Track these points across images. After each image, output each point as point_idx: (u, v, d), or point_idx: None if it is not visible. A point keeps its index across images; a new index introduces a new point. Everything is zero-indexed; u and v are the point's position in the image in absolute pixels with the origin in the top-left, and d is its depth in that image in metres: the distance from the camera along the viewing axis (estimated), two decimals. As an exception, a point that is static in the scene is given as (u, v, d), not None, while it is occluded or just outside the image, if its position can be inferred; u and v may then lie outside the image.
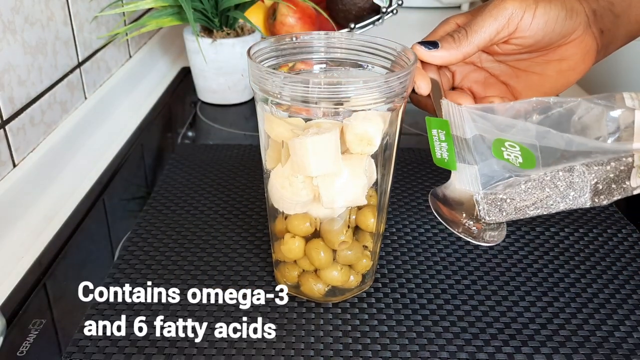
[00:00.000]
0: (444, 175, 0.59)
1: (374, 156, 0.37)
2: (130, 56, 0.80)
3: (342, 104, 0.33)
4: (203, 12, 0.70)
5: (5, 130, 0.50)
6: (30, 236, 0.49)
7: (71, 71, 0.62)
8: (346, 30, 0.84)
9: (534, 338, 0.38)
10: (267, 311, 0.40)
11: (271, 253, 0.43)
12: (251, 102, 0.77)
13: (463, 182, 0.38)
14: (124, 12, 0.75)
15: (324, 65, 0.40)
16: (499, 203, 0.37)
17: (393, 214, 0.51)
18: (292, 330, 0.38)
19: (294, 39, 0.39)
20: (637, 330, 0.39)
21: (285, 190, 0.36)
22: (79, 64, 0.64)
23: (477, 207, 0.38)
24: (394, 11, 0.85)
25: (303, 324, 0.39)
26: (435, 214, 0.40)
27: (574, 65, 0.41)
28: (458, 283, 0.43)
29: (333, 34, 0.40)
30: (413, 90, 0.38)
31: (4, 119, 0.50)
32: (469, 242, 0.47)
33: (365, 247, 0.40)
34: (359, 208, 0.39)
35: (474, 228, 0.38)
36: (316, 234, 0.38)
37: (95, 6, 0.68)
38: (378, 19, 0.85)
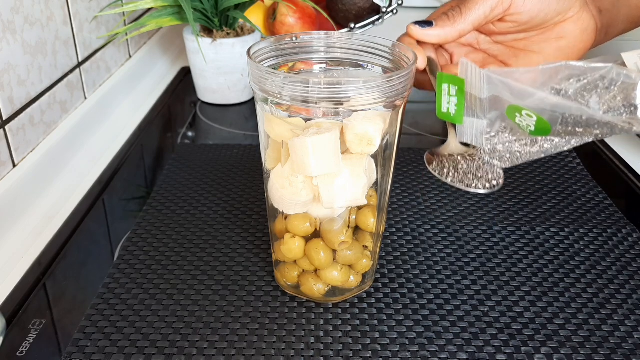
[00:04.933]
0: (444, 175, 0.59)
1: (374, 156, 0.37)
2: (130, 56, 0.80)
3: (342, 104, 0.33)
4: (203, 12, 0.70)
5: (5, 130, 0.50)
6: (30, 236, 0.49)
7: (71, 71, 0.62)
8: (346, 30, 0.84)
9: (534, 338, 0.38)
10: (267, 311, 0.40)
11: (271, 253, 0.43)
12: (251, 102, 0.77)
13: (467, 136, 0.37)
14: (123, 12, 0.75)
15: (324, 65, 0.40)
16: (502, 155, 0.37)
17: (393, 214, 0.51)
18: (292, 331, 0.38)
19: (294, 39, 0.39)
20: (638, 330, 0.39)
21: (285, 190, 0.36)
22: (79, 64, 0.64)
23: (484, 156, 0.37)
24: (394, 11, 0.85)
25: (303, 324, 0.39)
26: (429, 169, 0.39)
27: (573, 43, 0.40)
28: (458, 283, 0.43)
29: (333, 34, 0.40)
30: None
31: (4, 119, 0.50)
32: (468, 242, 0.48)
33: (365, 247, 0.40)
34: (359, 208, 0.39)
35: (468, 177, 0.38)
36: (316, 234, 0.38)
37: (95, 6, 0.68)
38: (378, 19, 0.85)
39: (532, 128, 0.34)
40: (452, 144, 0.38)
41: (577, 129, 0.33)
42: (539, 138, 0.35)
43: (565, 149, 0.35)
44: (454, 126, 0.38)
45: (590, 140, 0.34)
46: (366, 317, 0.40)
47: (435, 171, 0.38)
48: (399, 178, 0.57)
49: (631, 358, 0.37)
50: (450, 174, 0.38)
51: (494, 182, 0.37)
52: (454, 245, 0.47)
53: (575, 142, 0.34)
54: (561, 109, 0.33)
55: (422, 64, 0.38)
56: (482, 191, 0.37)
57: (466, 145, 0.38)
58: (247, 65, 0.36)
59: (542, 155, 0.36)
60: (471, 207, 0.52)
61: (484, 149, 0.37)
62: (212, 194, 0.54)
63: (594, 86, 0.34)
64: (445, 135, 0.39)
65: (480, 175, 0.38)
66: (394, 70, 0.38)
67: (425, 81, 0.40)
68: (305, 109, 0.34)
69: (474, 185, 0.37)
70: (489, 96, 0.35)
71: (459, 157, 0.38)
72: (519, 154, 0.36)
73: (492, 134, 0.36)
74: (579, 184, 0.56)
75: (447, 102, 0.37)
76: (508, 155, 0.37)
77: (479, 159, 0.38)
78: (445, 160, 0.38)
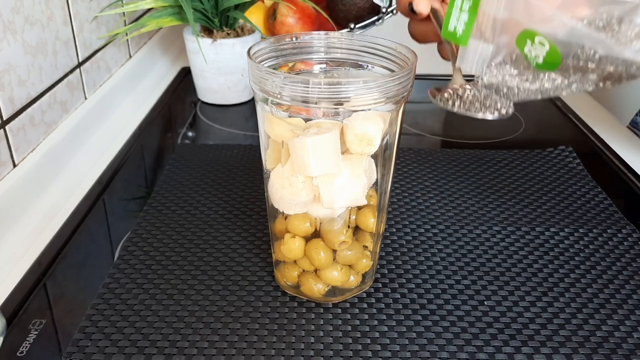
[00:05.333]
0: (444, 174, 0.59)
1: (374, 156, 0.37)
2: (130, 56, 0.80)
3: (342, 104, 0.33)
4: (203, 12, 0.70)
5: (5, 130, 0.50)
6: (30, 236, 0.49)
7: (71, 71, 0.62)
8: (346, 30, 0.84)
9: (534, 338, 0.38)
10: (267, 311, 0.40)
11: (271, 253, 0.43)
12: (251, 102, 0.77)
13: (468, 62, 0.35)
14: (124, 12, 0.75)
15: (324, 65, 0.40)
16: (499, 89, 0.35)
17: (393, 214, 0.51)
18: (292, 330, 0.38)
19: (294, 39, 0.39)
20: (637, 330, 0.39)
21: (285, 190, 0.36)
22: (79, 64, 0.64)
23: (481, 88, 0.35)
24: (394, 11, 0.85)
25: (303, 324, 0.39)
26: (433, 99, 0.38)
27: None
28: (458, 283, 0.43)
29: (333, 34, 0.40)
30: (412, 10, 0.36)
31: (4, 119, 0.50)
32: (468, 242, 0.48)
33: (365, 247, 0.40)
34: (359, 208, 0.39)
35: (475, 106, 0.36)
36: (316, 234, 0.38)
37: (95, 6, 0.68)
38: (378, 19, 0.85)
39: (540, 60, 0.32)
40: (458, 81, 0.37)
41: (588, 64, 0.31)
42: (541, 75, 0.33)
43: (564, 93, 0.33)
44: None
45: (591, 88, 0.32)
46: (366, 317, 0.40)
47: (440, 102, 0.37)
48: (399, 178, 0.57)
49: (631, 358, 0.37)
50: (456, 103, 0.37)
51: (503, 111, 0.36)
52: (454, 245, 0.47)
53: (575, 88, 0.33)
54: (579, 39, 0.31)
55: (425, 8, 0.36)
56: (490, 117, 0.36)
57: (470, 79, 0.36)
58: (247, 65, 0.36)
59: (539, 96, 0.34)
60: (471, 207, 0.52)
61: (483, 79, 0.35)
62: (212, 194, 0.54)
63: (610, 29, 0.32)
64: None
65: (488, 104, 0.36)
66: (394, 70, 0.38)
67: (428, 32, 0.38)
68: (305, 109, 0.34)
69: (481, 112, 0.36)
70: (503, 17, 0.33)
71: (465, 87, 0.37)
72: (517, 90, 0.35)
73: (495, 62, 0.35)
74: (579, 184, 0.56)
75: (457, 19, 0.35)
76: (505, 90, 0.35)
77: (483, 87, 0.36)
78: (450, 92, 0.37)
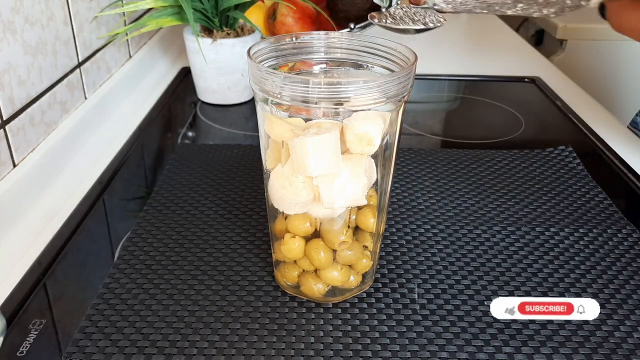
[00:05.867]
0: (444, 174, 0.59)
1: (374, 156, 0.37)
2: (130, 56, 0.80)
3: (342, 104, 0.33)
4: (203, 12, 0.70)
5: (5, 130, 0.50)
6: (30, 236, 0.49)
7: (71, 71, 0.62)
8: (346, 30, 0.84)
9: (534, 338, 0.38)
10: (267, 311, 0.40)
11: (271, 253, 0.43)
12: (251, 102, 0.77)
13: None
14: (124, 12, 0.75)
15: (324, 65, 0.40)
16: None
17: (393, 214, 0.51)
18: (292, 330, 0.38)
19: (294, 39, 0.39)
20: (637, 330, 0.39)
21: (285, 190, 0.36)
22: (79, 64, 0.64)
23: None
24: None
25: (303, 324, 0.39)
26: (372, 20, 0.40)
27: None
28: (458, 283, 0.43)
29: (333, 34, 0.40)
30: None
31: (4, 119, 0.50)
32: (468, 242, 0.48)
33: (365, 247, 0.40)
34: (359, 208, 0.39)
35: (405, 21, 0.38)
36: (316, 234, 0.38)
37: (95, 6, 0.68)
38: (378, 19, 0.85)
39: None
40: (402, 4, 0.39)
41: None
42: None
43: (509, 12, 0.35)
44: None
45: (536, 14, 0.34)
46: (366, 317, 0.40)
47: (374, 20, 0.39)
48: (399, 178, 0.57)
49: (631, 358, 0.37)
50: (389, 20, 0.39)
51: (431, 25, 0.38)
52: (454, 245, 0.47)
53: (521, 8, 0.34)
54: None
55: None
56: (417, 27, 0.38)
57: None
58: (247, 65, 0.36)
59: (485, 12, 0.36)
60: (471, 207, 0.52)
61: None
62: (212, 194, 0.54)
63: None
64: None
65: (416, 19, 0.39)
66: (394, 71, 0.38)
67: None
68: (305, 109, 0.34)
69: (408, 25, 0.38)
70: None
71: (398, 7, 0.39)
72: None
73: None
74: (579, 184, 0.56)
75: None
76: None
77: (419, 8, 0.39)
78: (384, 13, 0.39)
